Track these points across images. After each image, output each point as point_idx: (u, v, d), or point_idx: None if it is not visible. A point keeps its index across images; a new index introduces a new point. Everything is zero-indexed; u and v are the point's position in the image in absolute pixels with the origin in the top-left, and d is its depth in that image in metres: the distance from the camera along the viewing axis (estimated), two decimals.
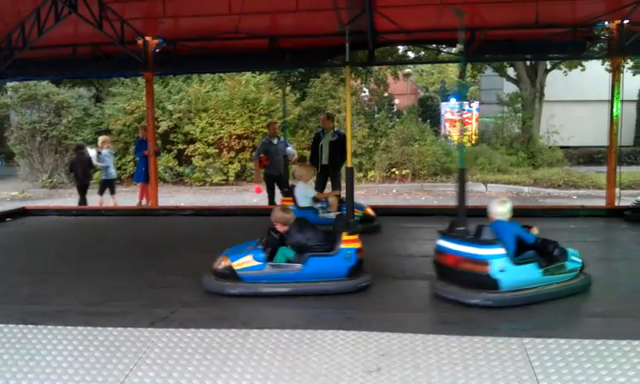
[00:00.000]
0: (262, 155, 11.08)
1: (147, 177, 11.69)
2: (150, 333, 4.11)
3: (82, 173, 12.32)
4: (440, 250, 5.40)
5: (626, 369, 3.53)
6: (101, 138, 12.95)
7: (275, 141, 11.17)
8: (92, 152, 12.57)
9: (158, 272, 6.33)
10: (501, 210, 5.52)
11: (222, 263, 5.40)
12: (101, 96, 22.54)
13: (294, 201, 8.64)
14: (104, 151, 12.27)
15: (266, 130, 19.10)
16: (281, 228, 5.70)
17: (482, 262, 4.94)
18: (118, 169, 19.45)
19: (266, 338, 4.01)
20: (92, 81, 21.75)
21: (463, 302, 4.98)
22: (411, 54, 21.84)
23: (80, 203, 12.25)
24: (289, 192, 8.88)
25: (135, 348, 3.88)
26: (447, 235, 5.43)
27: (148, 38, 10.71)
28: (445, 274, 5.33)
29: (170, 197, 16.05)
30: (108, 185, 12.36)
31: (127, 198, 14.67)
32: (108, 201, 12.27)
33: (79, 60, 11.24)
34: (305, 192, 8.72)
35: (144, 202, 12.16)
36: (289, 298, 5.27)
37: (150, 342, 3.96)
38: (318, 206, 8.64)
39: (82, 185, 12.43)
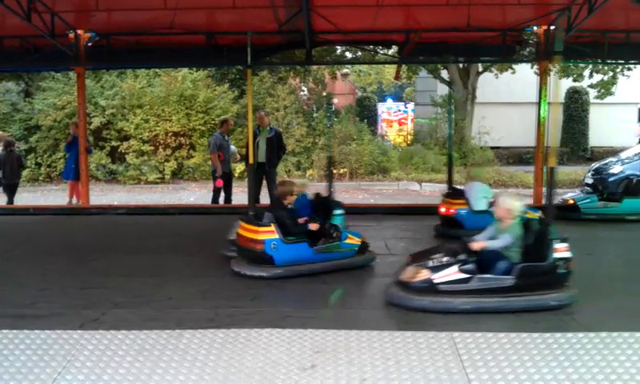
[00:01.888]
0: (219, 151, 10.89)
1: (77, 175, 11.31)
2: (80, 335, 4.00)
3: (9, 171, 11.66)
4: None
5: (549, 360, 3.70)
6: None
7: (226, 137, 11.11)
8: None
9: (88, 273, 6.15)
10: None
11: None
12: (30, 91, 21.62)
13: (467, 203, 8.21)
14: None
15: (204, 128, 18.99)
16: (290, 199, 6.33)
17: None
18: (48, 166, 18.78)
19: (200, 338, 3.97)
20: (21, 75, 20.83)
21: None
22: (349, 55, 22.05)
23: (8, 203, 11.66)
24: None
25: (64, 351, 3.77)
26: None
27: (80, 32, 10.37)
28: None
29: (103, 195, 15.59)
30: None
31: (57, 196, 14.16)
32: None
33: (6, 53, 10.79)
34: (482, 193, 8.17)
35: (74, 200, 11.75)
36: None
37: (80, 345, 3.85)
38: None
39: (10, 184, 11.75)
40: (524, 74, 20.29)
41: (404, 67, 21.15)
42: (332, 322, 4.45)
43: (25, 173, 18.74)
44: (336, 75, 24.48)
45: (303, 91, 23.86)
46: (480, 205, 7.98)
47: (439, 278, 4.92)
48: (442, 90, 23.73)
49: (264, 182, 10.93)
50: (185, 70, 19.74)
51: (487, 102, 22.79)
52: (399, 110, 28.69)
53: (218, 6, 9.63)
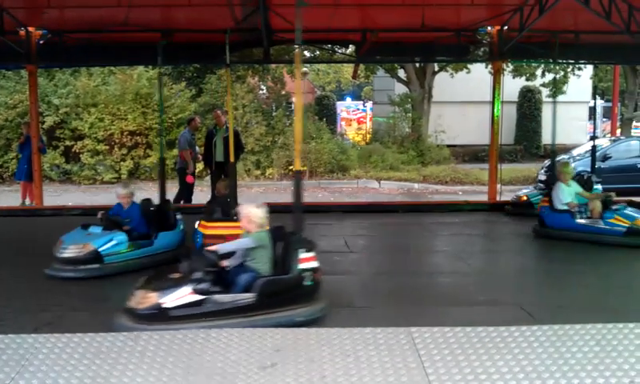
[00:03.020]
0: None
1: (30, 175, 11.02)
2: (34, 339, 3.91)
3: None
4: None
5: (504, 353, 3.79)
6: None
7: (194, 135, 11.16)
8: None
9: (42, 275, 5.99)
10: None
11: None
12: None
13: (550, 202, 8.08)
14: None
15: (160, 126, 18.70)
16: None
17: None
18: (0, 167, 18.21)
19: (157, 340, 3.93)
20: None
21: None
22: (307, 53, 22.06)
23: None
24: None
25: (17, 355, 3.68)
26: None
27: (31, 29, 10.10)
28: None
29: (57, 196, 15.20)
30: None
31: (10, 197, 13.75)
32: None
33: None
34: (567, 192, 8.01)
35: (27, 201, 11.45)
36: None
37: (34, 349, 3.76)
38: (576, 210, 7.85)
39: None
40: (479, 73, 20.65)
41: (362, 66, 21.29)
42: None
43: None
44: (294, 74, 24.45)
45: (262, 90, 23.75)
46: (561, 204, 7.96)
47: (170, 301, 4.25)
48: (400, 89, 23.96)
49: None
50: (140, 68, 19.40)
51: (443, 100, 23.10)
52: (358, 109, 28.87)
53: (173, 4, 9.52)
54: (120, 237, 6.23)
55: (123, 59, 12.87)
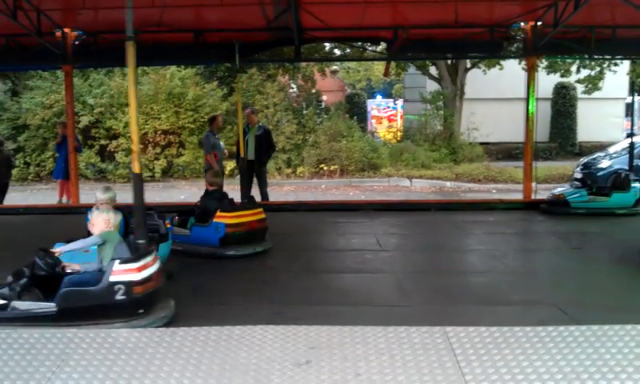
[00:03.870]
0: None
1: (67, 173, 11.25)
2: (73, 333, 3.98)
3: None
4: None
5: (541, 353, 3.73)
6: None
7: (217, 135, 11.08)
8: None
9: None
10: None
11: None
12: (17, 90, 21.43)
13: None
14: None
15: (193, 126, 18.92)
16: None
17: None
18: (37, 165, 18.65)
19: (193, 335, 3.97)
20: (7, 73, 20.64)
21: None
22: (337, 52, 22.04)
23: None
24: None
25: (58, 350, 3.75)
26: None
27: (67, 30, 10.30)
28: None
29: (93, 194, 15.48)
30: None
31: (47, 195, 14.06)
32: None
33: None
34: None
35: (64, 199, 11.70)
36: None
37: (74, 343, 3.84)
38: None
39: (0, 183, 11.71)
40: (512, 69, 20.36)
41: (393, 64, 21.17)
42: (325, 318, 4.47)
43: (14, 172, 18.58)
44: (325, 72, 24.47)
45: (292, 88, 23.82)
46: None
47: None
48: (431, 86, 23.77)
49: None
50: (173, 68, 19.64)
51: (476, 97, 22.86)
52: (388, 107, 28.72)
53: (205, 4, 9.60)
54: None
55: (156, 59, 13.04)
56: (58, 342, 3.85)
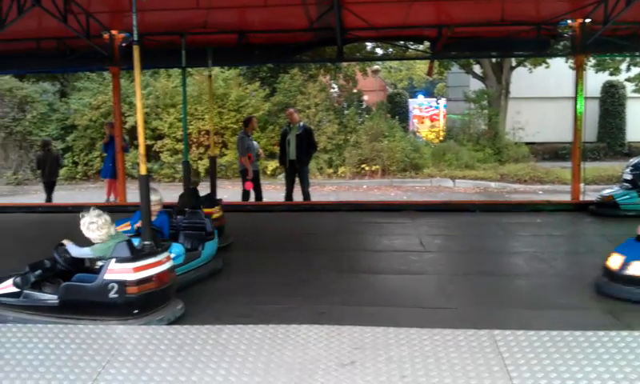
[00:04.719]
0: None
1: (114, 173, 11.53)
2: (122, 330, 4.08)
3: (48, 169, 12.09)
4: None
5: (592, 359, 3.63)
6: None
7: (250, 136, 11.16)
8: None
9: None
10: None
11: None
12: (66, 91, 22.07)
13: None
14: None
15: (236, 126, 19.10)
16: None
17: None
18: (85, 165, 19.17)
19: (239, 333, 4.01)
20: (56, 75, 21.28)
21: None
22: (379, 51, 21.94)
23: (47, 201, 12.03)
24: None
25: (107, 345, 3.84)
26: None
27: (114, 32, 10.53)
28: None
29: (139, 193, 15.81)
30: None
31: (94, 194, 14.42)
32: None
33: (43, 54, 10.99)
34: None
35: (112, 198, 11.98)
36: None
37: (122, 339, 3.93)
38: None
39: (48, 182, 12.20)
40: (558, 68, 19.93)
41: (436, 63, 20.97)
42: (369, 319, 4.45)
43: (62, 171, 19.16)
44: (366, 72, 24.39)
45: (334, 88, 23.82)
46: None
47: (0, 289, 4.63)
48: (475, 85, 23.45)
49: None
50: (216, 69, 19.88)
51: (521, 96, 22.46)
52: (431, 106, 28.44)
53: (249, 5, 9.69)
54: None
55: (201, 60, 13.21)
56: (107, 338, 3.94)
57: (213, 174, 8.32)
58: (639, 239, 5.40)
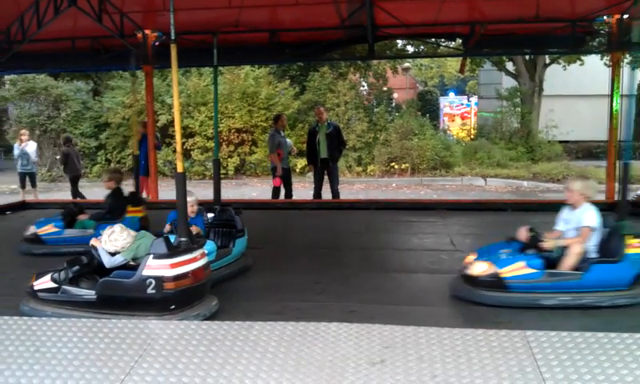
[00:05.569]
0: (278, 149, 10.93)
1: (147, 170, 11.69)
2: (155, 325, 4.13)
3: (73, 164, 12.87)
4: None
5: (628, 361, 3.55)
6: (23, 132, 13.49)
7: (282, 133, 11.18)
8: (16, 146, 13.09)
9: None
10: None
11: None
12: (99, 89, 22.49)
13: None
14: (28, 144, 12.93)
15: (266, 124, 19.21)
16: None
17: None
18: (117, 162, 19.47)
19: (269, 330, 4.02)
20: (90, 74, 21.70)
21: None
22: (410, 48, 21.82)
23: (73, 195, 12.44)
24: None
25: (140, 340, 3.90)
26: None
27: (147, 31, 10.66)
28: None
29: (170, 190, 15.97)
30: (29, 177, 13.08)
31: (126, 191, 14.59)
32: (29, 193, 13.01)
33: (78, 53, 11.18)
34: None
35: (144, 195, 12.15)
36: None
37: (155, 334, 3.98)
38: None
39: (74, 176, 12.71)
40: (593, 65, 19.54)
41: (468, 60, 20.76)
42: (399, 317, 4.43)
43: (95, 168, 19.58)
44: (397, 69, 24.27)
45: (363, 86, 23.77)
46: None
47: (37, 285, 4.72)
48: (508, 82, 23.14)
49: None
50: (247, 68, 20.03)
51: (555, 94, 22.11)
52: (462, 104, 28.17)
53: (281, 4, 9.70)
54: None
55: (232, 59, 13.30)
56: (140, 333, 3.99)
57: (217, 176, 8.29)
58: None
